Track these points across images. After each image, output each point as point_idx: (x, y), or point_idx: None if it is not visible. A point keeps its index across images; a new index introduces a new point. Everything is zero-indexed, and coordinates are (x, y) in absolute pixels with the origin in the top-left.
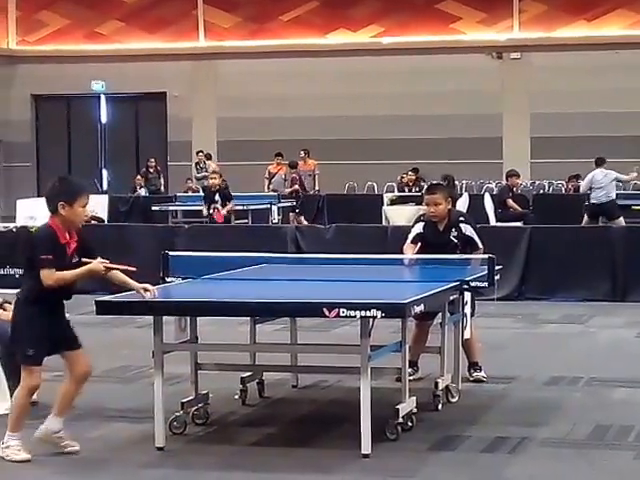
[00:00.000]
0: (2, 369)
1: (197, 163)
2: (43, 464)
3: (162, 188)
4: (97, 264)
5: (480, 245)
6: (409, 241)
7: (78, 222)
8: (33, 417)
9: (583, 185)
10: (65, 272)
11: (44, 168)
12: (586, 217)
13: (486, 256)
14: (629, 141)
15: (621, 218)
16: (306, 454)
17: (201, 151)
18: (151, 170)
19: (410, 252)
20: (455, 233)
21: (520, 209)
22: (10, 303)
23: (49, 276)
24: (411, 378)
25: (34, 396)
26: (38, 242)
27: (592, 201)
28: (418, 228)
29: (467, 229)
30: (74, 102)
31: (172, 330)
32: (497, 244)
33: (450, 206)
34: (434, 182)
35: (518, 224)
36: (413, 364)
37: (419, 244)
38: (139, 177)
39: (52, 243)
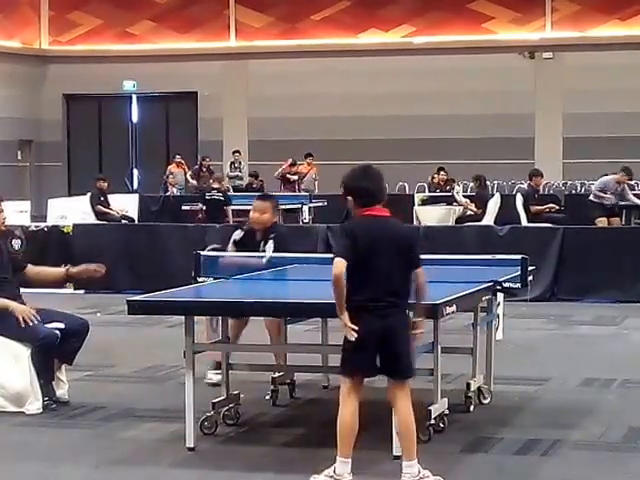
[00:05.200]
0: (34, 368)
1: (232, 162)
2: (76, 464)
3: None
4: None
5: None
6: (230, 245)
7: None
8: (65, 417)
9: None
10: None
11: (75, 168)
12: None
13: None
14: None
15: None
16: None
17: (237, 151)
18: (204, 169)
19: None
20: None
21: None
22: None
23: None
24: (215, 380)
25: (65, 395)
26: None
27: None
28: (237, 235)
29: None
30: (105, 102)
31: (202, 330)
32: (529, 244)
33: (276, 219)
34: (269, 193)
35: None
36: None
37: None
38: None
39: None
